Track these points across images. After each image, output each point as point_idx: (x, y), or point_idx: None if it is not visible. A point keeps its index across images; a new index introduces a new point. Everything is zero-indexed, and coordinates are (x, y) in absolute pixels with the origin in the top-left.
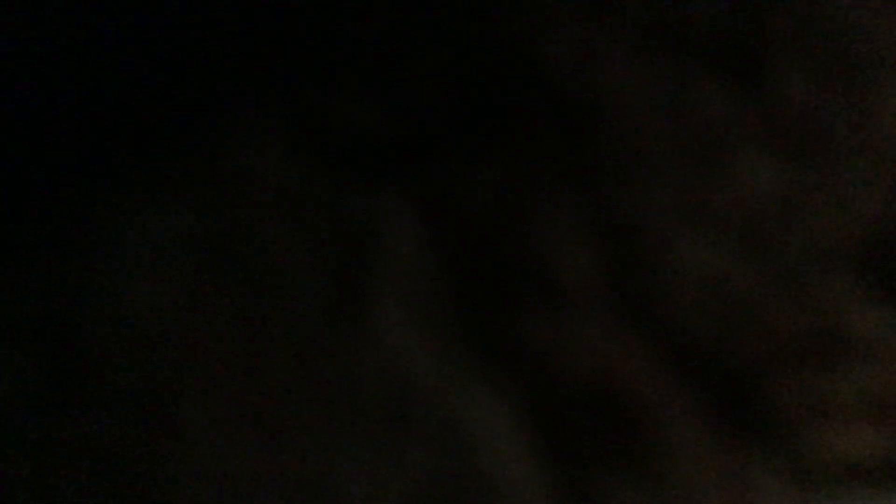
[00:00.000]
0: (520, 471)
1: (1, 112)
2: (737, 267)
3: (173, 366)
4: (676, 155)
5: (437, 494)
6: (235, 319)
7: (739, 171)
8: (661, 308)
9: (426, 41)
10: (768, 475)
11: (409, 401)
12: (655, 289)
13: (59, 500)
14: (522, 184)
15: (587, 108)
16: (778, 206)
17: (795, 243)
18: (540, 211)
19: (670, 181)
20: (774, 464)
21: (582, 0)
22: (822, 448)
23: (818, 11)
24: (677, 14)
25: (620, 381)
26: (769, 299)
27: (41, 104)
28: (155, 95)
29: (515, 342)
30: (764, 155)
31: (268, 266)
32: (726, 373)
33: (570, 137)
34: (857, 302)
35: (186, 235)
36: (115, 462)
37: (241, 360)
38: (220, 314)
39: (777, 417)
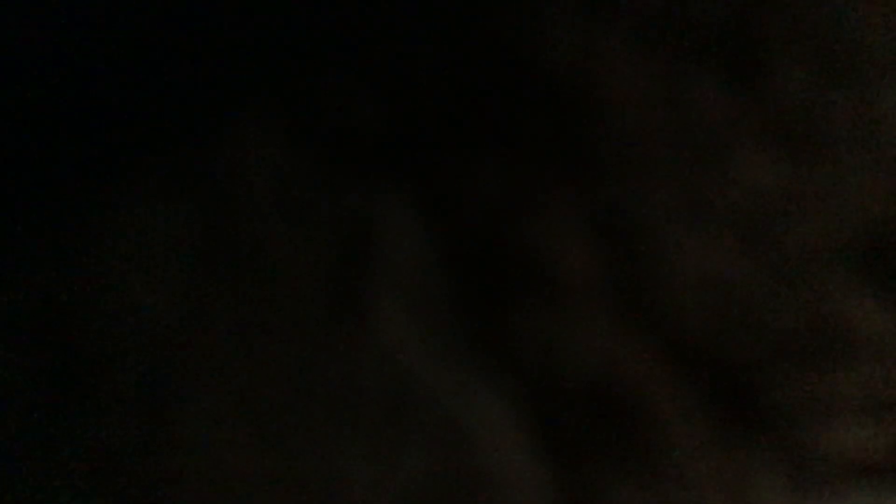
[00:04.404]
0: (519, 468)
1: (1, 112)
2: (736, 264)
3: (173, 365)
4: (675, 152)
5: (437, 492)
6: (234, 318)
7: (739, 168)
8: (661, 305)
9: (424, 39)
10: (768, 473)
11: (409, 399)
12: (655, 286)
13: (59, 500)
14: (521, 182)
15: (586, 105)
16: (777, 203)
17: (795, 240)
18: (539, 209)
19: (669, 178)
20: (774, 461)
21: None
22: (822, 445)
23: (817, 8)
24: (676, 11)
25: (620, 379)
26: (769, 296)
27: (40, 104)
28: (152, 94)
29: (515, 340)
30: (763, 152)
31: (267, 264)
32: (726, 370)
33: (568, 134)
34: (858, 299)
35: (185, 234)
36: (115, 462)
37: (240, 359)
38: (220, 313)
39: (777, 415)
